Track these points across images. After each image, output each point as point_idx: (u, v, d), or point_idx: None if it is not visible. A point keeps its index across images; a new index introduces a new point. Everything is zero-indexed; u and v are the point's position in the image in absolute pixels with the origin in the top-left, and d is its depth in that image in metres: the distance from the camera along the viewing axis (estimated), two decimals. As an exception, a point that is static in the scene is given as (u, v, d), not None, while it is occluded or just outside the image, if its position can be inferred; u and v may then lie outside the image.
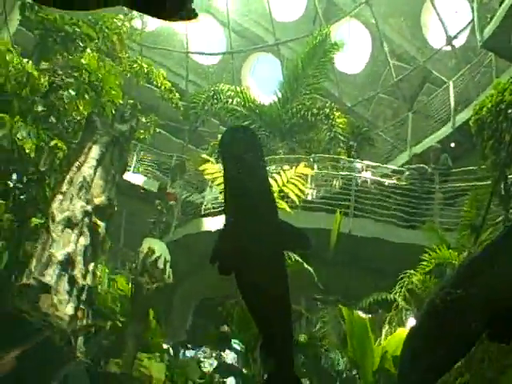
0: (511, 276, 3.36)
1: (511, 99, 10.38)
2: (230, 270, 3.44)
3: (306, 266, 11.24)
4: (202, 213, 14.44)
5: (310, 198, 14.13)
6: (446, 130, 15.62)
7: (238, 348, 9.96)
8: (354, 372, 10.00)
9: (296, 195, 12.44)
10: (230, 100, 19.33)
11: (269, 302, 3.58)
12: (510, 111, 10.38)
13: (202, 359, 10.97)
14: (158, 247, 10.69)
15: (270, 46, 23.56)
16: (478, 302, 3.53)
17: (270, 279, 3.49)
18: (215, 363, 10.80)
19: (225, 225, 3.48)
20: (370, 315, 12.64)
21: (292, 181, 12.24)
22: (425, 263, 9.24)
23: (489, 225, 9.56)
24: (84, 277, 9.02)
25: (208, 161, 10.98)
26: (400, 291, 10.03)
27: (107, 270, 12.06)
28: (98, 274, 10.60)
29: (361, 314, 11.96)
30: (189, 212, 15.43)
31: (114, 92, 10.79)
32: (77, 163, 9.85)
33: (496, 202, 10.26)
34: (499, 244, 3.54)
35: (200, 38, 24.55)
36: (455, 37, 18.67)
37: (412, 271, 9.81)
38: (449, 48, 19.10)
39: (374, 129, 19.16)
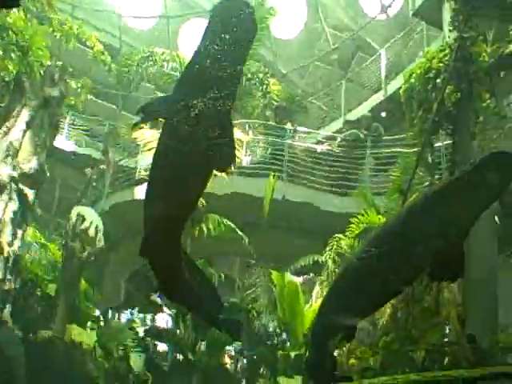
0: (452, 216, 3.66)
1: (439, 68, 10.62)
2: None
3: (238, 231, 11.39)
4: (135, 180, 14.27)
5: (244, 163, 14.20)
6: (377, 98, 15.90)
7: (170, 312, 10.03)
8: (285, 334, 10.26)
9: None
10: (166, 64, 18.95)
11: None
12: (438, 80, 10.65)
13: (133, 324, 11.02)
14: (87, 215, 10.58)
15: (207, 11, 23.09)
16: (395, 256, 3.79)
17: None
18: (147, 328, 10.89)
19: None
20: (302, 278, 12.98)
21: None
22: (353, 227, 9.49)
23: (415, 189, 9.87)
24: (11, 244, 8.87)
25: (141, 128, 10.85)
26: (330, 254, 10.31)
27: (38, 237, 11.84)
28: (28, 240, 10.43)
29: (294, 277, 12.26)
30: (122, 180, 15.21)
31: (41, 52, 10.43)
32: (4, 127, 9.58)
33: (423, 168, 10.62)
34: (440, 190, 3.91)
35: (136, 0, 23.95)
36: (389, 6, 18.89)
37: (341, 235, 10.08)
38: (383, 17, 19.29)
39: (308, 96, 19.25)
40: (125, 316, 11.63)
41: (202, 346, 10.51)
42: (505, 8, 11.55)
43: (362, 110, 15.74)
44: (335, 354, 9.90)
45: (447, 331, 10.23)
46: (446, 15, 11.80)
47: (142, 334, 10.53)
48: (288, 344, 10.20)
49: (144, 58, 18.90)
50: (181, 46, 24.34)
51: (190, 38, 24.57)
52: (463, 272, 3.89)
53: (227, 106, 3.30)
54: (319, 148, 13.83)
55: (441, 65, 10.37)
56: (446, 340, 9.83)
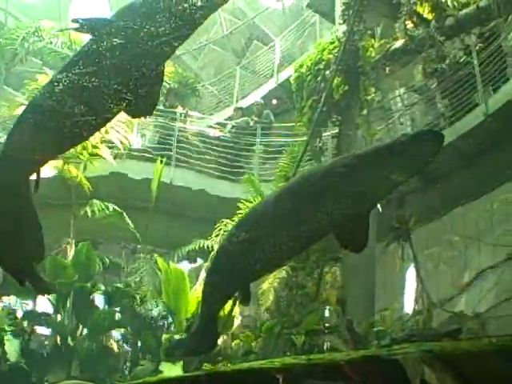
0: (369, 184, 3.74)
1: (329, 59, 10.96)
2: None
3: (124, 216, 11.19)
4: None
5: (135, 146, 13.96)
6: (269, 86, 16.11)
7: (50, 297, 9.72)
8: (170, 319, 10.24)
9: (121, 142, 12.25)
10: (55, 39, 18.09)
11: None
12: (327, 72, 10.99)
13: (12, 308, 10.66)
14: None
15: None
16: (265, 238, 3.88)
17: None
18: (25, 312, 10.57)
19: None
20: (190, 264, 12.99)
21: (116, 128, 12.00)
22: (241, 213, 9.61)
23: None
24: None
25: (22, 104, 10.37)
26: (216, 240, 10.38)
27: None
28: None
29: (181, 263, 12.25)
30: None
31: None
32: None
33: (309, 157, 10.95)
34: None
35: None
36: (285, -5, 19.15)
37: (228, 220, 10.18)
38: (279, 6, 19.54)
39: (201, 80, 19.22)
40: (3, 301, 11.15)
41: (85, 331, 10.28)
42: (393, 5, 12.09)
43: (254, 97, 15.89)
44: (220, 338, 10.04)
45: (327, 315, 10.67)
46: (338, 8, 12.18)
47: (17, 317, 10.12)
48: (172, 329, 10.18)
49: (31, 32, 17.90)
50: (71, 20, 23.26)
51: (82, 11, 23.58)
52: (366, 242, 3.95)
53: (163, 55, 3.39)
54: (211, 133, 13.84)
55: (330, 57, 10.72)
56: (326, 324, 10.24)
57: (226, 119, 15.84)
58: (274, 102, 16.07)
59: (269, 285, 10.33)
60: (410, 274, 12.13)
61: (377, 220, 9.59)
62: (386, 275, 12.61)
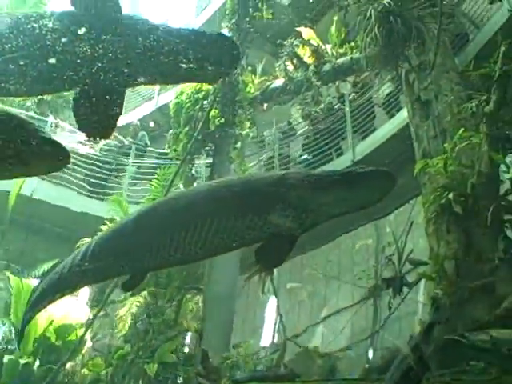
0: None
1: (208, 90, 11.18)
2: None
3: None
4: None
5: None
6: (149, 108, 16.12)
7: None
8: (15, 340, 9.77)
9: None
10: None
11: None
12: (205, 102, 11.22)
13: None
14: None
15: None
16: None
17: None
18: None
19: None
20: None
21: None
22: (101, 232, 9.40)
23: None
24: None
25: None
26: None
27: None
28: None
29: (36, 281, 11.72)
30: None
31: None
32: None
33: (181, 182, 11.05)
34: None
35: None
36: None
37: (89, 239, 9.91)
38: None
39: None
40: None
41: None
42: (276, 45, 12.63)
43: (132, 117, 15.74)
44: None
45: (186, 344, 10.66)
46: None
47: None
48: (18, 351, 9.70)
49: None
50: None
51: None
52: (280, 263, 3.91)
53: None
54: (80, 149, 13.43)
55: (210, 87, 10.92)
56: (181, 354, 10.23)
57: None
58: (152, 124, 16.04)
59: (127, 310, 10.17)
60: (270, 308, 12.51)
61: (241, 251, 9.86)
62: (247, 308, 12.90)
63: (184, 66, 3.54)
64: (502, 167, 5.82)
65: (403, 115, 9.28)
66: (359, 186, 3.59)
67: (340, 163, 10.86)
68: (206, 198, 3.79)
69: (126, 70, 3.51)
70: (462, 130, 6.14)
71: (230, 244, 3.74)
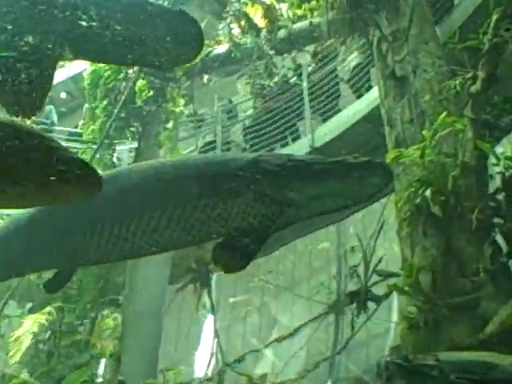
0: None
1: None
2: None
3: None
4: None
5: None
6: (59, 75, 15.70)
7: None
8: None
9: None
10: None
11: None
12: (130, 71, 10.94)
13: None
14: None
15: None
16: None
17: None
18: None
19: None
20: None
21: None
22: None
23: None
24: None
25: None
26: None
27: None
28: None
29: None
30: None
31: None
32: None
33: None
34: None
35: None
36: None
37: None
38: None
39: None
40: None
41: None
42: (219, 2, 12.47)
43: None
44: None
45: (101, 369, 10.44)
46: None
47: None
48: None
49: None
50: None
51: None
52: (245, 265, 3.71)
53: None
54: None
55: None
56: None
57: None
58: (63, 95, 15.70)
59: (27, 328, 9.89)
60: (208, 326, 12.37)
61: (171, 258, 9.71)
62: (179, 326, 12.74)
63: (129, 44, 3.56)
64: (492, 159, 5.77)
65: (373, 94, 9.22)
66: (349, 180, 3.58)
67: (296, 149, 10.75)
68: (155, 178, 3.69)
69: (55, 41, 3.53)
70: (445, 113, 6.07)
71: (185, 238, 3.64)
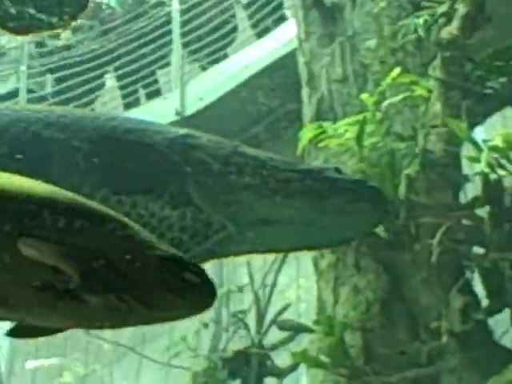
0: None
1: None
2: None
3: None
4: None
5: None
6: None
7: None
8: None
9: None
10: None
11: None
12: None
13: None
14: None
15: None
16: None
17: None
18: None
19: None
20: None
21: None
22: None
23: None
24: None
25: None
26: None
27: None
28: None
29: None
30: None
31: None
32: None
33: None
34: None
35: None
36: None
37: None
38: None
39: None
40: None
41: None
42: None
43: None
44: None
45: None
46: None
47: None
48: None
49: None
50: None
51: None
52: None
53: None
54: None
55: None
56: None
57: None
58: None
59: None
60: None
61: None
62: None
63: None
64: (469, 149, 5.41)
65: (286, 33, 9.17)
66: (327, 204, 3.77)
67: (151, 113, 10.06)
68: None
69: None
70: (398, 69, 5.71)
71: None
